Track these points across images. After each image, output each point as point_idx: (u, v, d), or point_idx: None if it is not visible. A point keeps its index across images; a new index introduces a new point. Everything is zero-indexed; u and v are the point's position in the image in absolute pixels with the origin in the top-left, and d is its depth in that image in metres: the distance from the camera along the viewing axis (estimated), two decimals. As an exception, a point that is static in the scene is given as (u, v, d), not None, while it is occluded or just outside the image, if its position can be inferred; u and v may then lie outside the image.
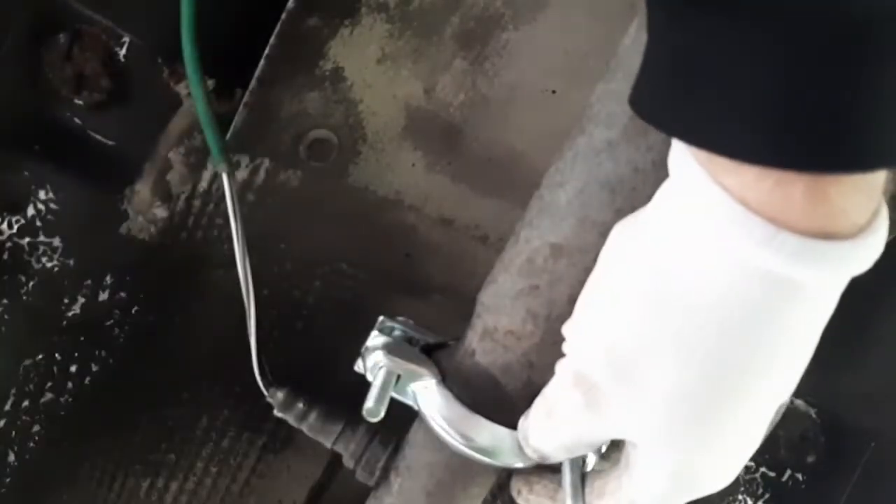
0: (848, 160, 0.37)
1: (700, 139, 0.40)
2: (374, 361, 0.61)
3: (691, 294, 0.43)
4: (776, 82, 0.37)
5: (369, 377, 0.62)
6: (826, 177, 0.38)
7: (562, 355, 0.52)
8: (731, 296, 0.42)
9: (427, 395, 0.60)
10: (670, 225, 0.44)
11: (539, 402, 0.54)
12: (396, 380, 0.60)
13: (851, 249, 0.40)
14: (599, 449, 0.58)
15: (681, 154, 0.43)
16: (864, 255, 0.41)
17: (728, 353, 0.43)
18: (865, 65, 0.36)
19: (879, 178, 0.41)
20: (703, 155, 0.41)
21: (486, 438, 0.58)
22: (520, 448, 0.57)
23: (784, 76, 0.36)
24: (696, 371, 0.44)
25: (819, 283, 0.42)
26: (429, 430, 0.60)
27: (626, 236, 0.47)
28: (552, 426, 0.53)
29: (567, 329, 0.51)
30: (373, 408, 0.59)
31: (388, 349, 0.61)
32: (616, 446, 0.56)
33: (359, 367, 0.63)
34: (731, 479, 0.49)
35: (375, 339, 0.63)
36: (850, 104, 0.36)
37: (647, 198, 0.46)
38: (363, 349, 0.63)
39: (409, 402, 0.61)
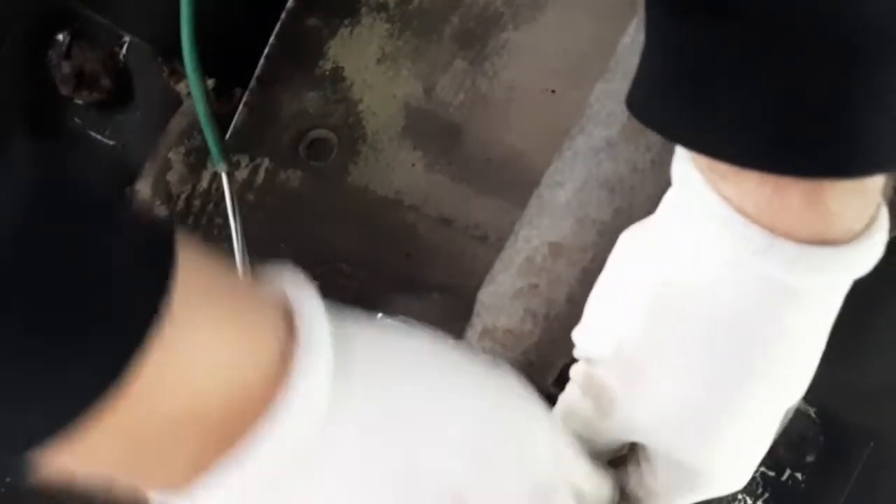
0: (842, 166, 0.38)
1: (697, 143, 0.40)
2: None
3: (693, 301, 0.43)
4: (773, 88, 0.37)
5: None
6: (822, 182, 0.39)
7: (566, 357, 0.52)
8: (731, 302, 0.42)
9: None
10: (673, 234, 0.44)
11: (555, 410, 0.54)
12: None
13: (847, 254, 0.40)
14: None
15: (683, 162, 0.43)
16: (861, 259, 0.41)
17: (730, 357, 0.44)
18: (861, 71, 0.36)
19: (876, 182, 0.41)
20: (703, 162, 0.41)
21: None
22: None
23: (781, 82, 0.37)
24: (700, 375, 0.44)
25: (817, 288, 0.42)
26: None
27: (632, 243, 0.48)
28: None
29: (576, 333, 0.52)
30: None
31: None
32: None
33: None
34: (743, 482, 0.49)
35: None
36: (845, 110, 0.37)
37: (646, 197, 0.46)
38: None
39: None
